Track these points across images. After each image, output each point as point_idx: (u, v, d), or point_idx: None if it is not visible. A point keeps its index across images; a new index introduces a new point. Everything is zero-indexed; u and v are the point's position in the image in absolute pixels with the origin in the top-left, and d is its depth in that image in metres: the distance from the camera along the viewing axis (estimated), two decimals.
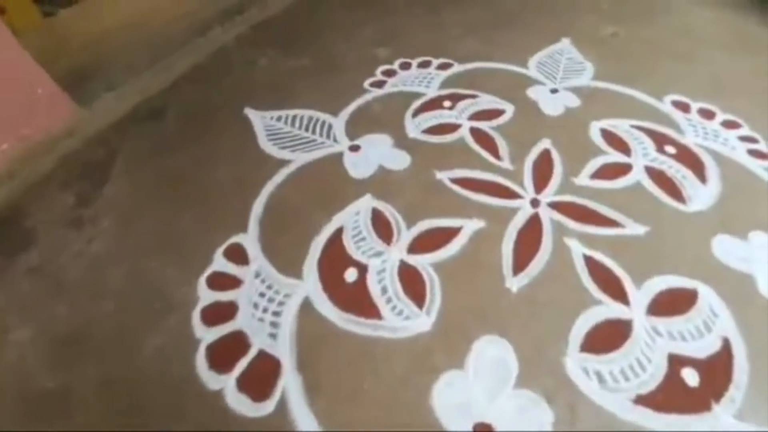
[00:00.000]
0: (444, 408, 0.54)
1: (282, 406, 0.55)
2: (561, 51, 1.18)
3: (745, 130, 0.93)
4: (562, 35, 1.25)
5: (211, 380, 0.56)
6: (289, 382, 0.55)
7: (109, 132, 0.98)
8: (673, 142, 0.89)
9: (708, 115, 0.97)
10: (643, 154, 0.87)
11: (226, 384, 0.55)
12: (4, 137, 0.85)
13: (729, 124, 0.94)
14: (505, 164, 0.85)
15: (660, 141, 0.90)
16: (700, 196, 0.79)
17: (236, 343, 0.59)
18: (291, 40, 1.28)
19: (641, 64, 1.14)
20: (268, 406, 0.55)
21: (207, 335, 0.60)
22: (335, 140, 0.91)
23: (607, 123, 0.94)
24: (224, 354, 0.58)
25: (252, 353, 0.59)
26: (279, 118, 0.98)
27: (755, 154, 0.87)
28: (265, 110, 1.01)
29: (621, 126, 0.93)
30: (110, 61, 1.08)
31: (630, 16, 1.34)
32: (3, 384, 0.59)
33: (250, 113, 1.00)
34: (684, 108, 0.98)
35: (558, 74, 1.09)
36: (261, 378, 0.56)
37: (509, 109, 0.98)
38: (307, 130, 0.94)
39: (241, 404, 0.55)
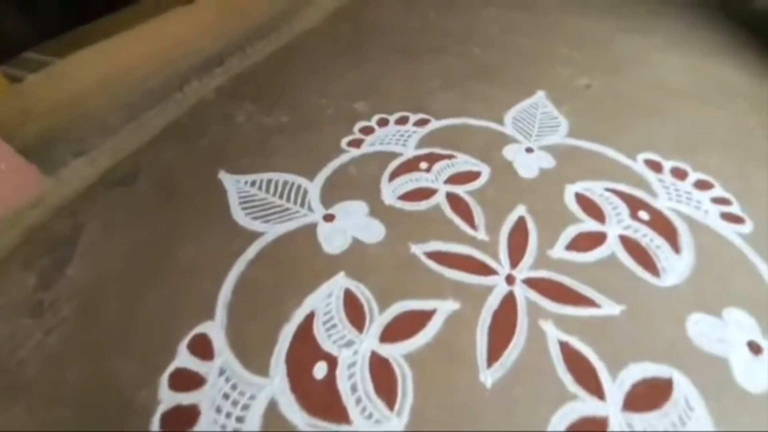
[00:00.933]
0: None
1: None
2: (536, 105, 1.19)
3: (717, 191, 0.94)
4: (536, 87, 1.27)
5: None
6: None
7: (77, 201, 0.95)
8: (646, 206, 0.90)
9: (680, 174, 0.98)
10: (618, 221, 0.87)
11: None
12: None
13: (701, 185, 0.95)
14: (481, 234, 0.84)
15: (634, 206, 0.90)
16: (675, 268, 0.78)
17: None
18: (270, 92, 1.28)
19: (615, 118, 1.16)
20: None
21: None
22: (310, 208, 0.90)
23: (581, 186, 0.94)
24: None
25: None
26: (253, 183, 0.97)
27: (728, 217, 0.88)
28: (239, 173, 1.00)
29: (595, 189, 0.94)
30: (83, 123, 1.06)
31: (602, 67, 1.37)
32: None
33: (224, 177, 0.98)
34: (656, 167, 0.99)
35: (533, 131, 1.10)
36: None
37: (485, 171, 0.98)
38: (281, 196, 0.93)
39: None
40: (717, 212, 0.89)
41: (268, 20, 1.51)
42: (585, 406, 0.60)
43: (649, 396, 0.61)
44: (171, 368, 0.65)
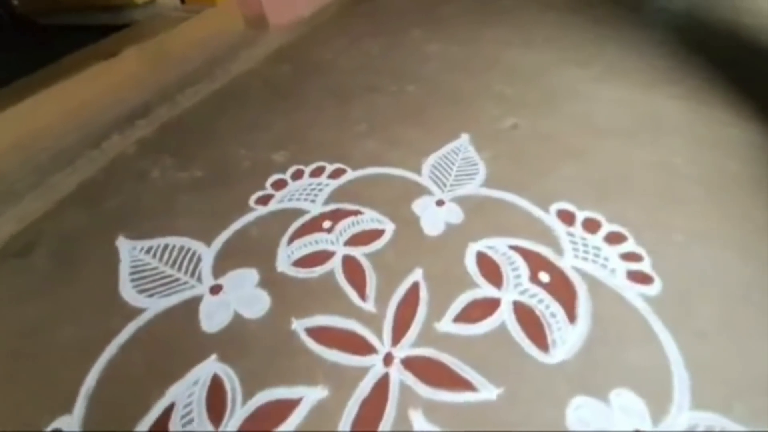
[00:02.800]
0: None
1: None
2: (457, 150, 1.16)
3: (629, 245, 0.90)
4: (463, 129, 1.24)
5: None
6: None
7: None
8: (548, 266, 0.85)
9: (592, 226, 0.93)
10: (515, 285, 0.82)
11: None
12: None
13: (613, 238, 0.91)
14: (369, 306, 0.80)
15: (535, 265, 0.86)
16: (566, 340, 0.74)
17: None
18: (191, 143, 1.26)
19: (536, 163, 1.12)
20: None
21: None
22: (199, 279, 0.87)
23: (485, 244, 0.90)
24: None
25: None
26: (149, 250, 0.94)
27: (635, 277, 0.83)
28: (140, 238, 0.98)
29: (499, 247, 0.90)
30: None
31: (533, 104, 1.33)
32: None
33: (122, 244, 0.96)
34: (569, 219, 0.95)
35: (449, 180, 1.07)
36: None
37: (389, 229, 0.95)
38: (173, 265, 0.90)
39: None
40: (624, 270, 0.85)
41: (201, 65, 1.51)
42: None
43: None
44: None
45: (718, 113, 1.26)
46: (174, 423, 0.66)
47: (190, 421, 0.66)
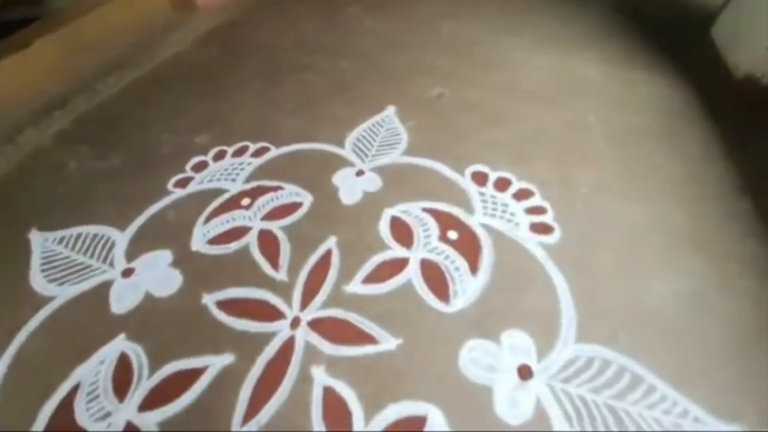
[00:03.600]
0: None
1: None
2: (383, 122, 1.17)
3: (535, 199, 0.94)
4: (390, 101, 1.25)
5: None
6: None
7: None
8: (458, 224, 0.89)
9: (503, 185, 0.97)
10: (424, 244, 0.86)
11: None
12: None
13: (521, 194, 0.95)
14: (281, 275, 0.82)
15: (446, 225, 0.89)
16: (466, 291, 0.78)
17: None
18: (111, 132, 1.22)
19: (458, 129, 1.15)
20: None
21: None
22: (111, 264, 0.86)
23: (400, 209, 0.93)
24: None
25: None
26: (61, 240, 0.92)
27: (537, 228, 0.88)
28: (53, 230, 0.95)
29: (412, 211, 0.92)
30: None
31: (463, 74, 1.35)
32: None
33: (34, 237, 0.93)
34: (482, 180, 0.98)
35: (371, 152, 1.08)
36: None
37: (307, 202, 0.96)
38: (85, 253, 0.89)
39: None
40: (527, 223, 0.89)
41: (123, 52, 1.46)
42: None
43: None
44: None
45: (634, 74, 1.32)
46: (79, 401, 0.66)
47: (95, 398, 0.66)
